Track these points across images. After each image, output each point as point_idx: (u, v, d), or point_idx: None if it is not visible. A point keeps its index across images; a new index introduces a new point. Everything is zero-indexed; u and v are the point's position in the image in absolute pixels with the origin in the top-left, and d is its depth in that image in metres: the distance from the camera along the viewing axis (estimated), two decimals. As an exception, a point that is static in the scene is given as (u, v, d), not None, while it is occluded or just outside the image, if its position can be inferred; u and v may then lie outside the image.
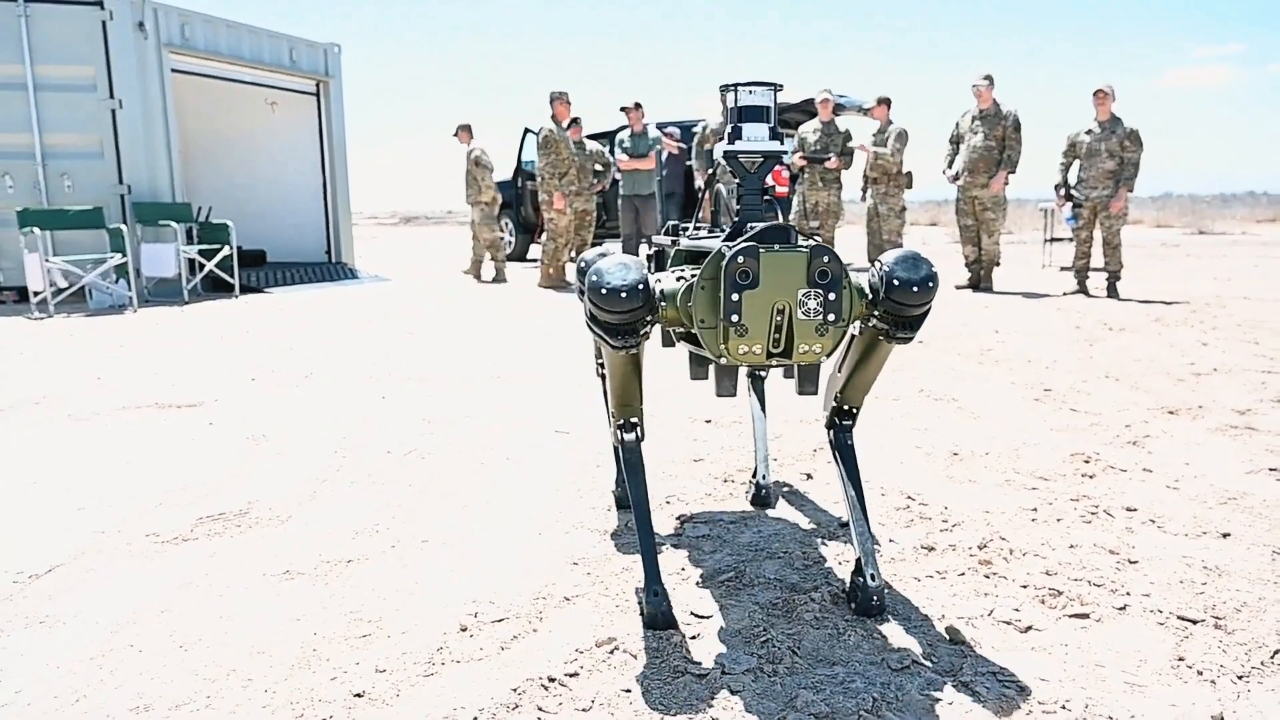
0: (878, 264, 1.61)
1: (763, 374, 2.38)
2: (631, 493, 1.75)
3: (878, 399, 3.54)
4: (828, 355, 1.58)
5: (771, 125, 1.69)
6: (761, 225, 1.57)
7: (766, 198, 1.75)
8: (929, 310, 1.60)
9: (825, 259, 1.50)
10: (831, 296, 1.51)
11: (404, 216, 40.79)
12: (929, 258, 1.59)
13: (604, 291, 1.47)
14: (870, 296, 1.61)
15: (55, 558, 2.07)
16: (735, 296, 1.49)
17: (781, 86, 1.71)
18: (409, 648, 1.63)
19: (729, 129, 1.68)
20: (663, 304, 1.59)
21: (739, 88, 1.68)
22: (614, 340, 1.54)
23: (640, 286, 1.48)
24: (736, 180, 1.73)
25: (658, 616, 1.67)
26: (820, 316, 1.51)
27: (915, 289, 1.55)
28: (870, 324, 1.66)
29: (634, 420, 1.80)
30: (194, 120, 9.68)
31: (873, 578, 1.71)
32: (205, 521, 2.30)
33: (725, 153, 1.69)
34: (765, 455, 2.37)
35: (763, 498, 2.37)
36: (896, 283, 1.55)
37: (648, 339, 1.60)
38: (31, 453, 2.98)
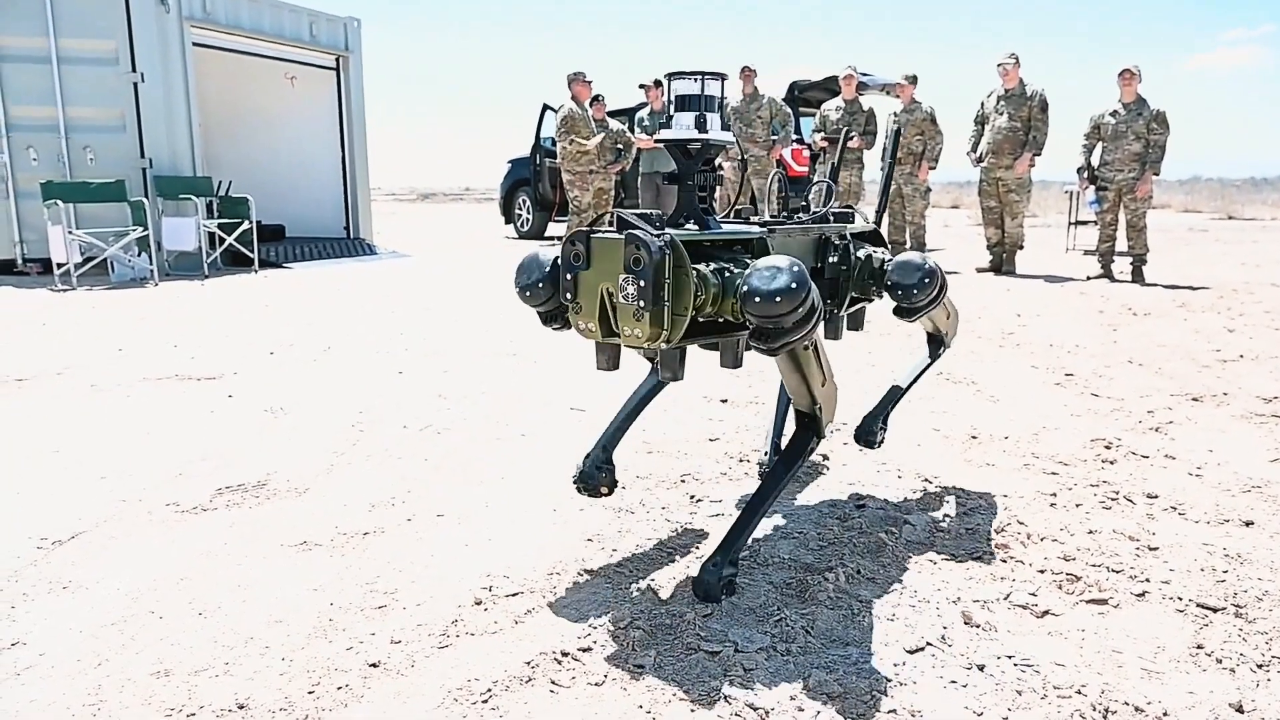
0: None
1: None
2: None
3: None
4: (654, 343, 1.51)
5: (698, 114, 1.70)
6: (636, 212, 1.56)
7: (701, 195, 1.75)
8: (792, 325, 1.43)
9: (637, 248, 1.46)
10: (642, 284, 1.46)
11: (422, 193, 40.82)
12: (798, 269, 1.41)
13: (516, 289, 1.67)
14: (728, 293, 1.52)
15: (78, 525, 2.10)
16: (569, 276, 1.58)
17: (726, 76, 1.74)
18: (424, 619, 1.64)
19: (664, 116, 1.76)
20: None
21: (673, 78, 1.73)
22: (547, 326, 1.70)
23: (540, 284, 1.64)
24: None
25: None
26: (636, 303, 1.48)
27: (759, 300, 1.39)
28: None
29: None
30: (215, 94, 9.69)
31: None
32: (224, 492, 2.33)
33: (657, 139, 1.81)
34: (781, 429, 2.36)
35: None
36: (745, 288, 1.42)
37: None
38: (54, 422, 3.02)
